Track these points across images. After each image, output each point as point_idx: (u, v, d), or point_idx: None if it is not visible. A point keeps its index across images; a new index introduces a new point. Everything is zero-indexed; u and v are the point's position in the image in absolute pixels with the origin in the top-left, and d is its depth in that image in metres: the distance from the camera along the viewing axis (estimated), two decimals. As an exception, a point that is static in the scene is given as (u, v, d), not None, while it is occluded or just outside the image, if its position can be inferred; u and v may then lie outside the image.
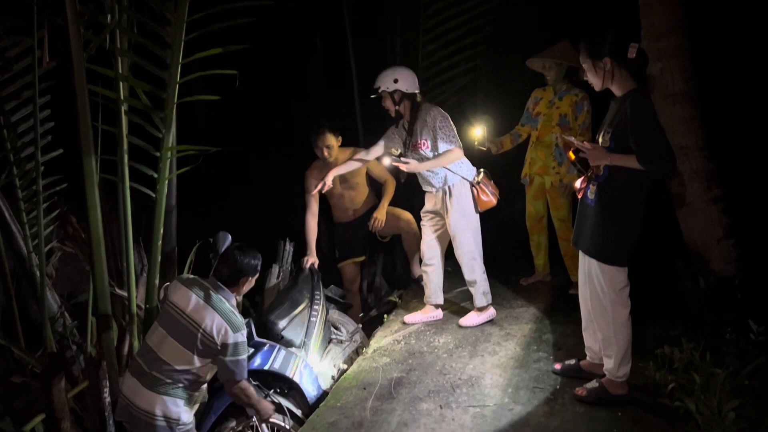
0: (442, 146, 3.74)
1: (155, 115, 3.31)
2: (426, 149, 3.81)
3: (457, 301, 4.40)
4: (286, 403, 3.22)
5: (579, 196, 2.98)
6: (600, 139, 2.84)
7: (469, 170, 3.90)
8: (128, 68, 3.38)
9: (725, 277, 3.59)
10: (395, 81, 3.75)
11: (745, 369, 2.84)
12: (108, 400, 3.25)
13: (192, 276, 3.00)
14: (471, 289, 3.98)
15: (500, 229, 4.81)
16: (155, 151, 3.36)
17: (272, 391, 3.23)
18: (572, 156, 2.97)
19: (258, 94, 6.09)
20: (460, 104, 5.54)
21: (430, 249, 4.08)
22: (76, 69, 2.95)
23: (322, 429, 3.00)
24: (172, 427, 2.77)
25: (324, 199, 4.60)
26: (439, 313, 4.18)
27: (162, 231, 3.46)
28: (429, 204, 4.03)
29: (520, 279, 4.65)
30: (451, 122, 3.80)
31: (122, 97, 3.30)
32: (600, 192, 2.82)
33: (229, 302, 2.85)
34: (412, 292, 4.71)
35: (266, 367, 3.20)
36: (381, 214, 4.53)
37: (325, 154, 4.39)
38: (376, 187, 4.72)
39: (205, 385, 2.98)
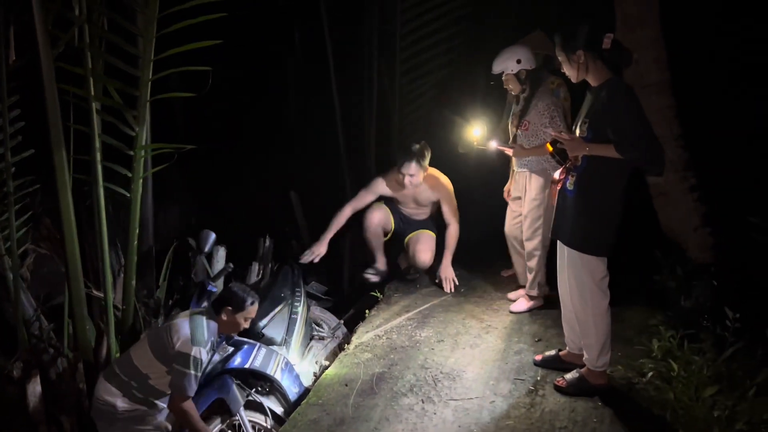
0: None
1: (128, 113, 3.25)
2: (525, 130, 3.76)
3: (445, 295, 4.40)
4: (267, 402, 3.19)
5: (558, 188, 2.98)
6: (577, 130, 2.85)
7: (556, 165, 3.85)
8: (100, 66, 3.32)
9: (702, 265, 3.63)
10: (518, 61, 3.69)
11: (722, 356, 2.88)
12: (86, 403, 3.20)
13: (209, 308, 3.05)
14: (529, 274, 3.95)
15: (480, 220, 4.82)
16: (129, 149, 3.31)
17: (253, 390, 3.20)
18: (549, 148, 2.98)
19: (235, 89, 6.03)
20: (437, 97, 5.55)
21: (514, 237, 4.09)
22: (45, 67, 2.89)
23: (303, 427, 2.99)
24: (111, 412, 2.82)
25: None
26: (539, 300, 4.06)
27: (138, 230, 3.41)
28: (515, 187, 3.99)
29: (500, 270, 4.66)
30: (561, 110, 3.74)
31: (93, 95, 3.24)
32: (579, 182, 2.82)
33: (208, 323, 2.89)
34: (394, 286, 4.69)
35: (246, 366, 3.17)
36: (449, 270, 4.42)
37: (406, 182, 4.25)
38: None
39: (160, 403, 2.93)
